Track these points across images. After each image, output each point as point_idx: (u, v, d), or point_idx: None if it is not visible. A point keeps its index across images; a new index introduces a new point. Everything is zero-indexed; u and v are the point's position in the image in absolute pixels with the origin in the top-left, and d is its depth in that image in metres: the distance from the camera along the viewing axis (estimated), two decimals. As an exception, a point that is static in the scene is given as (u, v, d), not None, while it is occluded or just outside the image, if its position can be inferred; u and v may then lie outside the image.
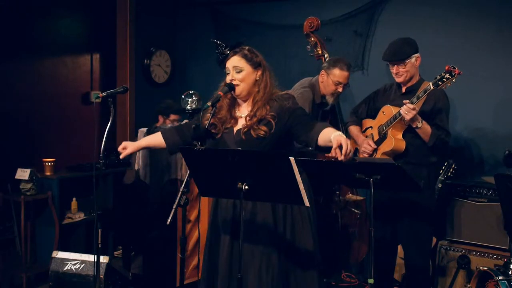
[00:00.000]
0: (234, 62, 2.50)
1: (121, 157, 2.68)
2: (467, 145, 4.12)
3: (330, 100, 3.64)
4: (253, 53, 2.52)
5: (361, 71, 4.56)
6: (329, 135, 2.28)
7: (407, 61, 3.13)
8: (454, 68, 2.89)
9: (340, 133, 2.28)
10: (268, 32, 4.85)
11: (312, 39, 3.93)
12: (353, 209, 3.83)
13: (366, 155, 3.27)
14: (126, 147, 2.67)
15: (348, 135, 3.45)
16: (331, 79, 3.57)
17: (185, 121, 3.95)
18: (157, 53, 5.27)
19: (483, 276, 3.07)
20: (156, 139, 2.73)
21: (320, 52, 3.90)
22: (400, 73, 3.16)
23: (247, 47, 2.54)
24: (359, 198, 3.85)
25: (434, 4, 4.23)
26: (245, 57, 2.50)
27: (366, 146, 3.28)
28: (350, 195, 3.86)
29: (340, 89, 3.60)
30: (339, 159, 2.18)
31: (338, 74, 3.55)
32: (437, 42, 4.07)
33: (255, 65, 2.51)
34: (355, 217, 3.85)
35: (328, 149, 2.36)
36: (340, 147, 2.18)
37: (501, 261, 3.44)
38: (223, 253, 2.50)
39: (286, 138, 2.52)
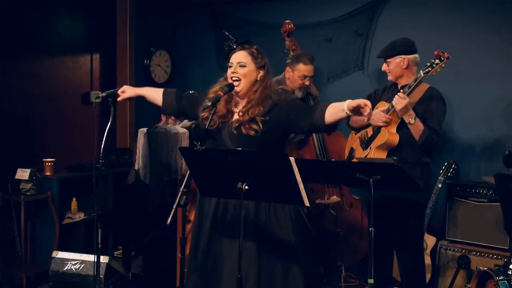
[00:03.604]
0: (240, 57, 2.51)
1: (118, 99, 2.82)
2: (467, 145, 4.12)
3: (298, 94, 3.78)
4: (260, 54, 2.55)
5: (361, 71, 4.56)
6: (339, 106, 2.37)
7: (389, 60, 3.21)
8: (443, 53, 2.96)
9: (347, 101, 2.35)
10: (268, 32, 4.85)
11: (286, 43, 4.02)
12: (331, 211, 3.83)
13: (381, 123, 3.17)
14: (125, 91, 2.80)
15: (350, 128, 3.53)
16: (296, 75, 3.72)
17: (185, 121, 3.95)
18: (157, 53, 5.27)
19: (483, 276, 3.06)
20: (155, 94, 2.82)
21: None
22: (386, 71, 3.26)
23: (255, 46, 2.57)
24: (337, 199, 3.86)
25: (434, 4, 4.23)
26: (251, 54, 2.52)
27: (379, 117, 3.15)
28: (335, 197, 3.86)
29: (306, 82, 3.74)
30: (364, 115, 2.30)
31: (302, 68, 3.71)
32: (437, 42, 4.06)
33: (259, 65, 2.53)
34: (333, 218, 3.84)
35: (336, 124, 2.49)
36: (358, 108, 2.30)
37: (501, 261, 3.44)
38: (202, 246, 2.53)
39: (280, 137, 2.54)
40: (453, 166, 3.76)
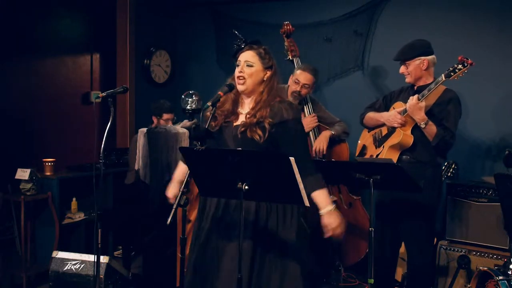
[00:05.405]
0: (247, 56, 2.50)
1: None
2: (467, 145, 4.12)
3: (290, 99, 3.68)
4: (268, 54, 2.54)
5: (361, 71, 4.56)
6: (320, 205, 2.43)
7: (408, 62, 3.17)
8: (467, 59, 2.95)
9: (328, 209, 2.42)
10: (268, 32, 4.85)
11: (285, 43, 4.02)
12: None
13: (396, 125, 3.18)
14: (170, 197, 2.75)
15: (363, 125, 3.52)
16: (292, 78, 3.71)
17: (185, 121, 3.95)
18: (157, 53, 5.27)
19: (483, 276, 3.06)
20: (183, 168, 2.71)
21: (289, 57, 3.96)
22: (404, 73, 3.22)
23: (263, 46, 2.56)
24: (333, 198, 3.85)
25: (434, 4, 4.24)
26: (259, 54, 2.51)
27: (395, 119, 3.19)
28: (331, 196, 3.86)
29: (298, 88, 3.67)
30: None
31: (298, 73, 3.68)
32: (437, 42, 4.03)
33: (266, 66, 2.51)
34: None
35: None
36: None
37: (501, 261, 3.44)
38: (199, 247, 2.52)
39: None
40: (453, 166, 3.75)
